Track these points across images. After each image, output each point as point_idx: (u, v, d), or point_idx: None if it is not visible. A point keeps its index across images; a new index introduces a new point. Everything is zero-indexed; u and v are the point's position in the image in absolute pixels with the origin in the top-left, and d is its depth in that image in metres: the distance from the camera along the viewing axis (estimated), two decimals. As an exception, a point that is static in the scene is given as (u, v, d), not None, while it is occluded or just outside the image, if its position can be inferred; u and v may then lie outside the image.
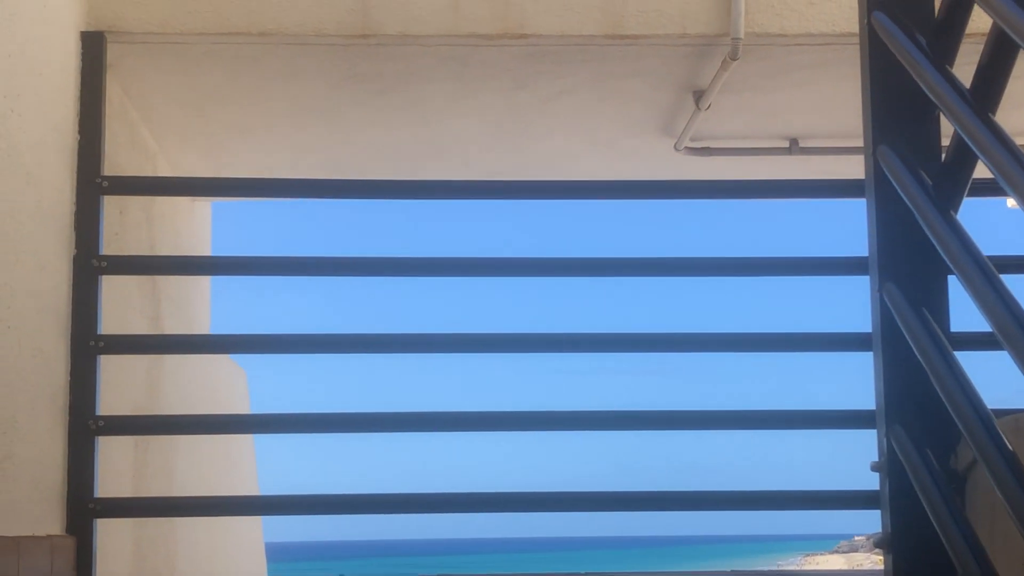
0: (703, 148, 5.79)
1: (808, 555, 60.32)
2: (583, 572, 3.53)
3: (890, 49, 3.04)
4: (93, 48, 4.12)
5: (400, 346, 4.08)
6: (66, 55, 3.94)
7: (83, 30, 4.10)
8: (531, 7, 4.40)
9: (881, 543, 3.02)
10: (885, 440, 3.01)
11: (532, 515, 4.04)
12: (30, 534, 3.38)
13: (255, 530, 8.28)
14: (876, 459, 3.14)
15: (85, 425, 3.84)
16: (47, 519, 3.62)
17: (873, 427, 3.19)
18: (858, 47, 3.31)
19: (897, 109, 3.11)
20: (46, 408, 3.63)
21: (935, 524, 2.71)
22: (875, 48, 3.15)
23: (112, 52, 4.25)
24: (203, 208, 6.82)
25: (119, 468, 4.55)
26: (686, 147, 5.73)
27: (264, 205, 9.57)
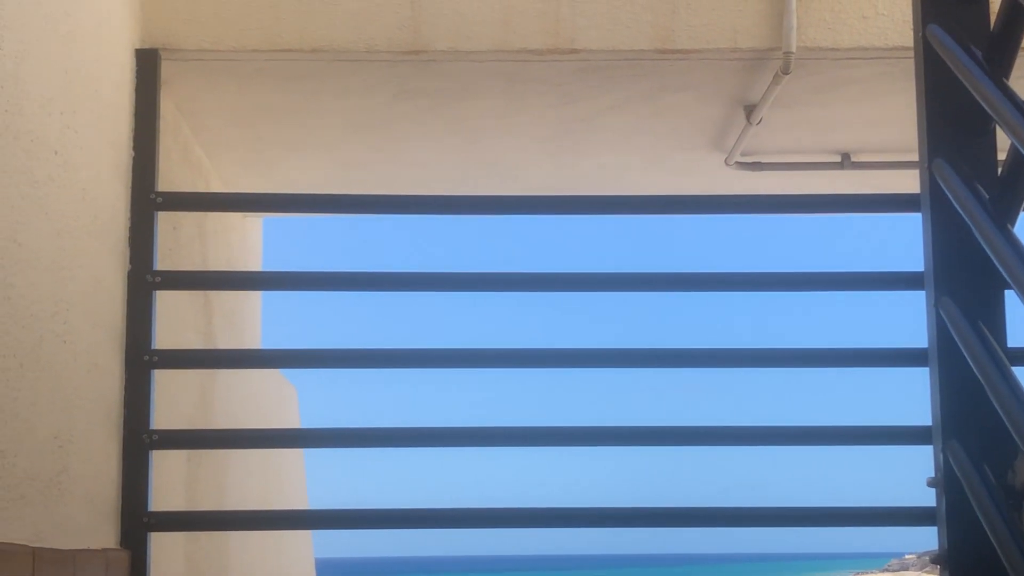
0: (754, 163, 5.76)
1: (858, 573, 59.88)
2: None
3: (945, 62, 3.02)
4: (147, 65, 4.15)
5: (451, 361, 4.08)
6: (121, 72, 3.98)
7: (138, 47, 4.14)
8: (582, 22, 4.40)
9: (938, 559, 3.00)
10: (941, 455, 2.99)
11: (584, 531, 4.03)
12: (85, 547, 3.41)
13: (306, 545, 8.30)
14: (931, 475, 3.12)
15: (139, 439, 3.86)
16: (102, 532, 3.64)
17: (928, 443, 3.17)
18: (912, 61, 3.29)
19: (953, 122, 3.09)
20: (101, 422, 3.66)
21: (993, 540, 2.69)
22: (930, 61, 3.14)
23: (166, 69, 4.29)
24: (254, 224, 6.86)
25: (172, 482, 4.57)
26: (736, 162, 5.71)
27: (314, 221, 9.61)
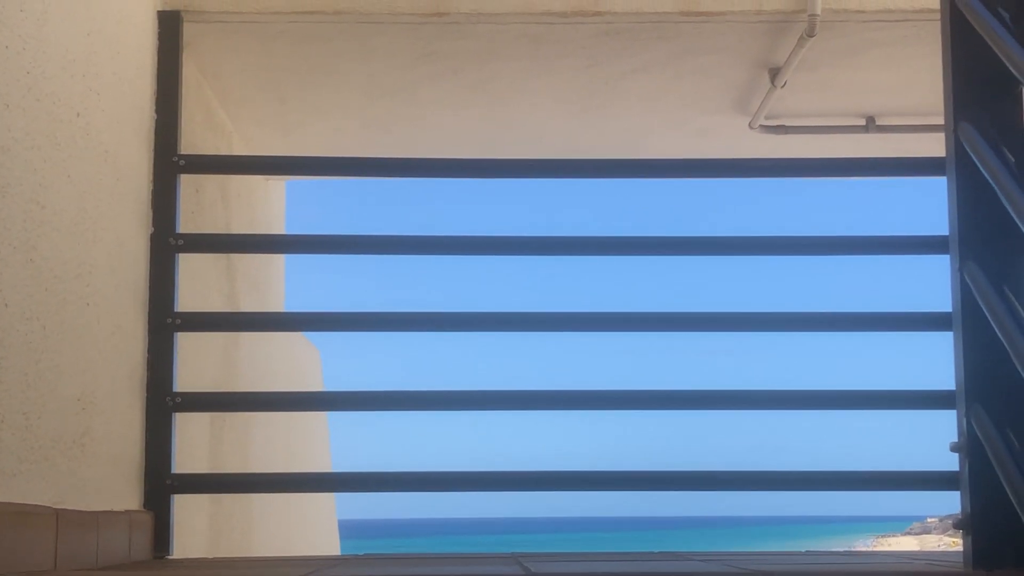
0: (778, 126, 5.74)
1: (881, 536, 59.92)
2: (658, 551, 3.53)
3: (972, 24, 2.99)
4: (170, 27, 4.14)
5: (475, 324, 4.08)
6: (143, 34, 3.97)
7: (160, 9, 4.13)
8: (605, -16, 4.37)
9: (960, 524, 2.99)
10: (965, 420, 2.97)
11: (605, 494, 4.03)
12: (108, 509, 3.42)
13: (329, 507, 8.34)
14: (955, 440, 3.10)
15: (163, 401, 3.87)
16: (125, 494, 3.66)
17: (951, 407, 3.15)
18: (938, 23, 3.26)
19: (979, 85, 3.06)
20: (124, 384, 3.67)
21: (1015, 505, 2.68)
22: (956, 24, 3.10)
23: (188, 31, 4.28)
24: (277, 187, 6.87)
25: (196, 444, 4.59)
26: (761, 125, 5.69)
27: (337, 184, 9.61)
